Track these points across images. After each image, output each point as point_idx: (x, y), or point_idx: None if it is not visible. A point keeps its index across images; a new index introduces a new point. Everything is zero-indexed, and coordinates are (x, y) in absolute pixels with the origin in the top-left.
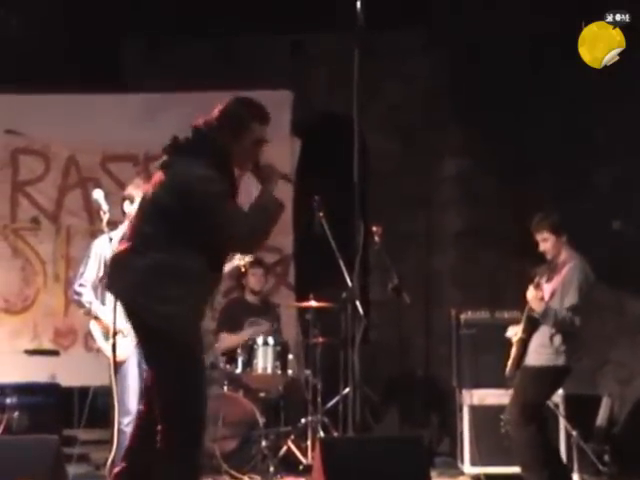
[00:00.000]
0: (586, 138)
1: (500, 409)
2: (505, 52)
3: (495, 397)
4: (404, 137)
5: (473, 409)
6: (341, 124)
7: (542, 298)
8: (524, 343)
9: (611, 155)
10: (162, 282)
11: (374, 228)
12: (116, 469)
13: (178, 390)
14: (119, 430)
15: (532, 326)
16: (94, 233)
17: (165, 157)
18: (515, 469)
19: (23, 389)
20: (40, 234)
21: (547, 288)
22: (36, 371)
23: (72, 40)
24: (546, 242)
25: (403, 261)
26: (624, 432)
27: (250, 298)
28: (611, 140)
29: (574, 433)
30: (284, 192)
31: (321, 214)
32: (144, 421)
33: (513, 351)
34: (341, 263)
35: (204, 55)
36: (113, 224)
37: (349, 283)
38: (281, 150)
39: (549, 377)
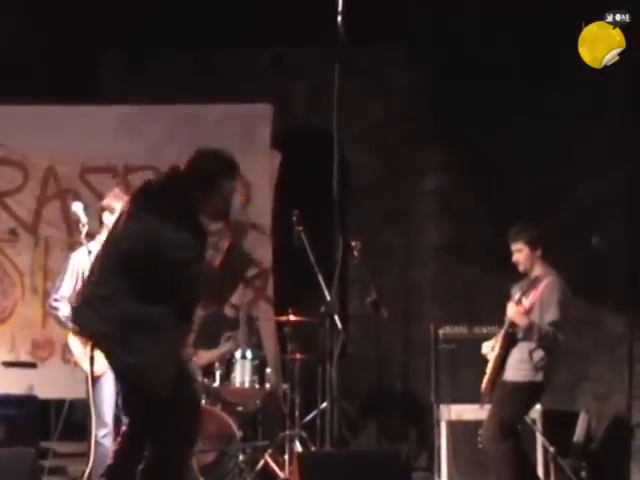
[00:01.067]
0: (566, 154)
1: (478, 424)
2: (485, 69)
3: (473, 412)
4: (384, 152)
5: (451, 424)
6: (321, 138)
7: (525, 312)
8: (502, 359)
9: (591, 171)
10: (131, 333)
11: (353, 243)
12: None
13: (159, 429)
14: (96, 442)
15: (510, 342)
16: (73, 245)
17: (133, 205)
18: None
19: (0, 401)
20: (18, 245)
21: (525, 303)
22: (13, 383)
23: (53, 52)
24: (520, 253)
25: (382, 276)
26: (601, 448)
27: (228, 312)
28: (592, 156)
29: (551, 449)
30: (264, 204)
31: (300, 228)
32: (127, 442)
33: (490, 367)
34: (320, 277)
35: (185, 68)
36: (92, 236)
37: (327, 297)
38: (261, 163)
39: (527, 393)
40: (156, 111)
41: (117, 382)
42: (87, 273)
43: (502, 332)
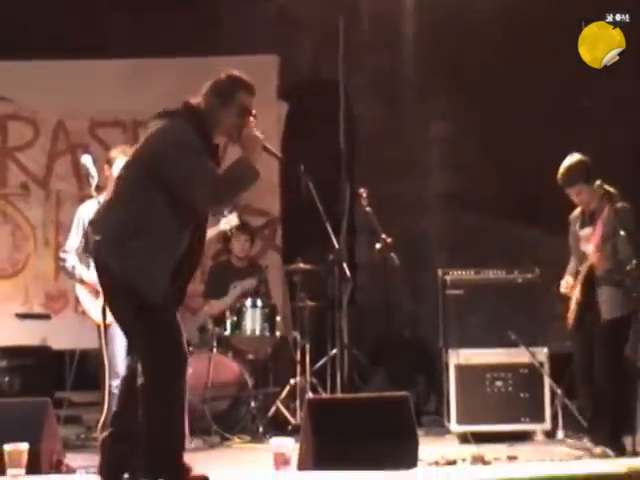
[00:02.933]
0: (569, 104)
1: (486, 368)
2: (489, 19)
3: (481, 356)
4: (390, 102)
5: (459, 369)
6: (327, 89)
7: (604, 257)
8: (586, 301)
9: (594, 120)
10: (126, 236)
11: (360, 190)
12: (104, 434)
13: (147, 343)
14: (109, 392)
15: (591, 283)
16: (83, 198)
17: (153, 119)
18: (500, 427)
19: (15, 352)
20: (30, 200)
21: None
22: (27, 334)
23: (59, 8)
24: (580, 195)
25: (389, 224)
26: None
27: (236, 262)
28: (595, 105)
29: (559, 391)
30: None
31: (308, 181)
32: (127, 386)
33: (573, 307)
34: (328, 226)
35: (190, 22)
36: (101, 189)
37: (336, 246)
38: (267, 114)
39: (624, 325)
40: (162, 64)
41: (107, 304)
42: None
43: (580, 274)
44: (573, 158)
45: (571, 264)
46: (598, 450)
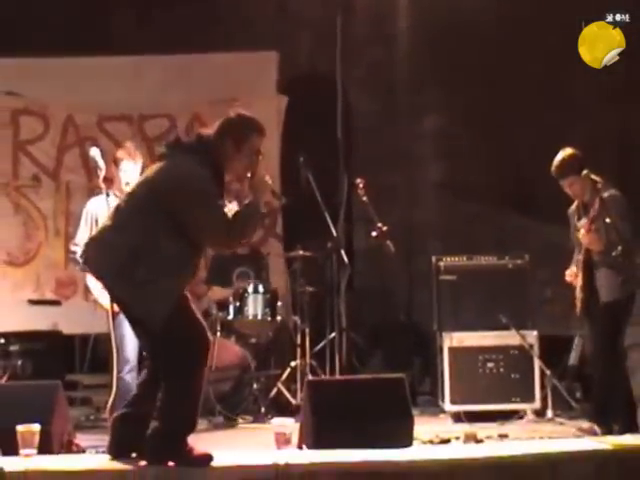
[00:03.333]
0: (561, 93)
1: (478, 350)
2: (482, 13)
3: (474, 339)
4: (385, 95)
5: (453, 351)
6: (325, 83)
7: (598, 237)
8: (588, 286)
9: (585, 112)
10: (133, 263)
11: (357, 181)
12: (115, 414)
13: (169, 360)
14: (118, 377)
15: (590, 268)
16: (92, 189)
17: (165, 149)
18: (492, 406)
19: (27, 337)
20: (41, 191)
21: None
22: (39, 320)
23: (69, 8)
24: (572, 186)
25: (385, 212)
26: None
27: (238, 249)
28: (587, 94)
29: (548, 372)
30: (272, 146)
31: (307, 172)
32: (151, 374)
33: (579, 294)
34: (326, 215)
35: (192, 19)
36: (109, 180)
37: (334, 233)
38: (268, 107)
39: (623, 307)
40: (165, 60)
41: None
42: (99, 218)
43: (580, 261)
44: (566, 152)
45: (575, 256)
46: (586, 426)
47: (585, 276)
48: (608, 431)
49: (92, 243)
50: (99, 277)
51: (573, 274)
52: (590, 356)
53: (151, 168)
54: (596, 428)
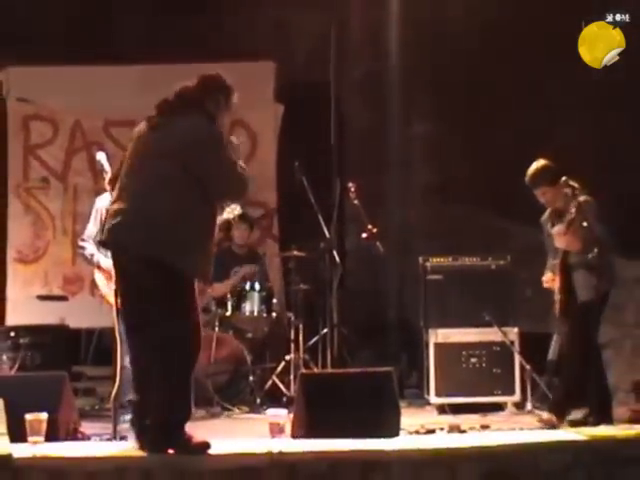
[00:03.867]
0: (541, 97)
1: (463, 346)
2: (466, 25)
3: (458, 335)
4: (376, 103)
5: (438, 346)
6: (319, 92)
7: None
8: (566, 287)
9: (564, 111)
10: (177, 226)
11: (349, 184)
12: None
13: (167, 326)
14: (122, 367)
15: (568, 270)
16: (98, 191)
17: (160, 118)
18: (475, 399)
19: (36, 330)
20: (49, 192)
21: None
22: (47, 314)
23: (77, 20)
24: (545, 195)
25: (375, 214)
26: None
27: (236, 249)
28: (565, 96)
29: (528, 367)
30: (269, 152)
31: (302, 172)
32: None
33: (558, 296)
34: (320, 217)
35: (192, 31)
36: (114, 182)
37: (327, 234)
38: (265, 115)
39: (599, 306)
40: (167, 70)
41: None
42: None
43: (556, 265)
44: (539, 163)
45: (549, 262)
46: (546, 417)
47: (563, 278)
48: (563, 422)
49: (119, 226)
50: (133, 252)
51: (550, 279)
52: (565, 352)
53: (148, 138)
54: (554, 419)
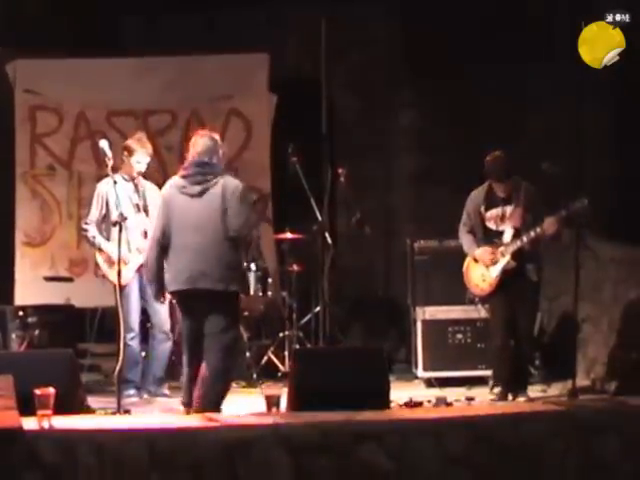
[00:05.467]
0: (520, 91)
1: (448, 322)
2: (451, 19)
3: (444, 312)
4: (364, 93)
5: (425, 323)
6: (311, 82)
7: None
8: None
9: (541, 106)
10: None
11: (340, 170)
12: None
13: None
14: (125, 344)
15: (521, 255)
16: (101, 177)
17: (200, 188)
18: (460, 373)
19: (43, 310)
20: (55, 179)
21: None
22: (53, 295)
23: (81, 15)
24: (499, 183)
25: (365, 199)
26: (552, 340)
27: None
28: (540, 93)
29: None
30: (263, 140)
31: (295, 159)
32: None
33: (498, 275)
34: (312, 200)
35: (191, 24)
36: (116, 169)
37: (319, 218)
38: (260, 105)
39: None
40: (167, 62)
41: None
42: (109, 199)
43: (511, 248)
44: (494, 155)
45: (470, 238)
46: (497, 392)
47: (516, 258)
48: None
49: (198, 274)
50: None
51: (489, 254)
52: (524, 331)
53: (193, 207)
54: (509, 395)
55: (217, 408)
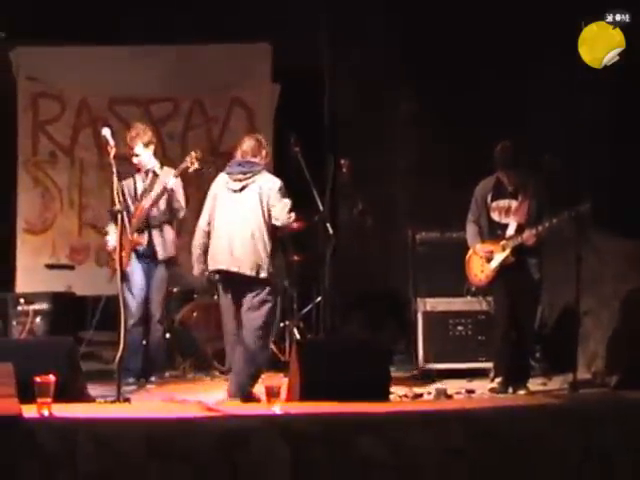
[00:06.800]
0: (520, 86)
1: (449, 315)
2: (450, 15)
3: (445, 304)
4: (366, 87)
5: (426, 315)
6: (314, 74)
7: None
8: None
9: (541, 100)
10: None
11: (342, 161)
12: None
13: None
14: (126, 331)
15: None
16: (103, 165)
17: (241, 184)
18: (460, 365)
19: (44, 297)
20: (57, 166)
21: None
22: (55, 282)
23: (84, 1)
24: (509, 175)
25: (367, 190)
26: (552, 334)
27: None
28: (540, 88)
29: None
30: (266, 129)
31: (297, 149)
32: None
33: (497, 266)
34: (314, 191)
35: (194, 12)
36: (119, 157)
37: (321, 208)
38: (263, 94)
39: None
40: (169, 50)
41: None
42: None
43: (512, 243)
44: (504, 144)
45: (475, 229)
46: (496, 385)
47: (515, 253)
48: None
49: (233, 259)
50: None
51: (489, 249)
52: (525, 326)
53: (237, 202)
54: (510, 388)
55: (249, 391)
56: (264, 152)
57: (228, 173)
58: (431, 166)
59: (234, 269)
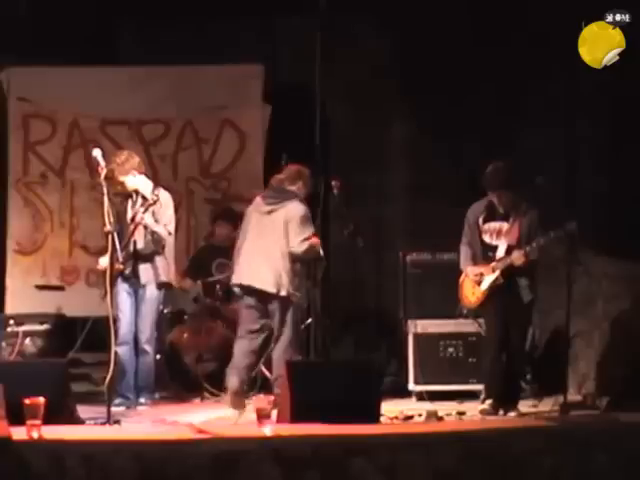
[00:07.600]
0: (514, 106)
1: (440, 336)
2: (445, 32)
3: (436, 326)
4: (358, 105)
5: (417, 336)
6: (305, 94)
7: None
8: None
9: (534, 120)
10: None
11: (333, 182)
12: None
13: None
14: (115, 353)
15: (510, 272)
16: (94, 186)
17: (270, 207)
18: (451, 387)
19: (34, 318)
20: (48, 187)
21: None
22: (45, 303)
23: (74, 21)
24: (500, 197)
25: (358, 211)
26: (543, 356)
27: (217, 242)
28: (534, 108)
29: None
30: (257, 150)
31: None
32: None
33: (487, 289)
34: None
35: (187, 34)
36: (109, 178)
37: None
38: (254, 115)
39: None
40: (162, 71)
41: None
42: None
43: (502, 264)
44: (496, 165)
45: (467, 251)
46: (487, 407)
47: (505, 276)
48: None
49: (255, 275)
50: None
51: (479, 273)
52: (517, 348)
53: (264, 223)
54: (500, 409)
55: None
56: (301, 183)
57: (262, 197)
58: (424, 187)
59: (256, 285)
